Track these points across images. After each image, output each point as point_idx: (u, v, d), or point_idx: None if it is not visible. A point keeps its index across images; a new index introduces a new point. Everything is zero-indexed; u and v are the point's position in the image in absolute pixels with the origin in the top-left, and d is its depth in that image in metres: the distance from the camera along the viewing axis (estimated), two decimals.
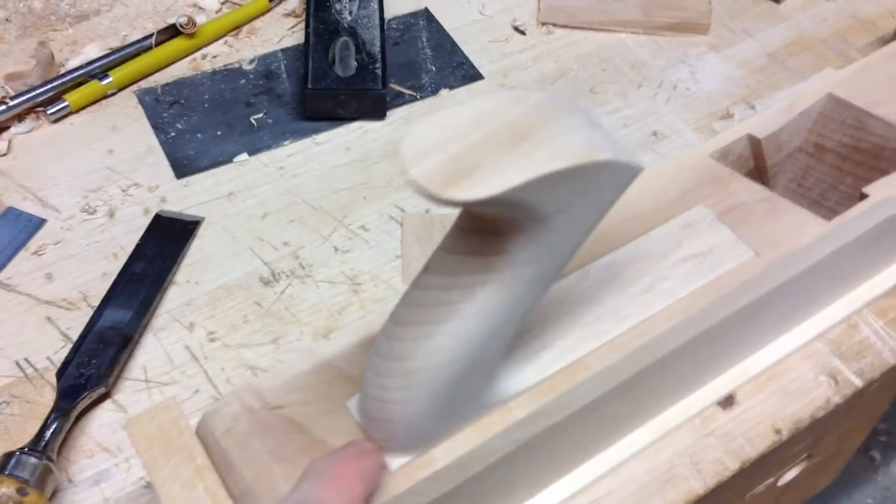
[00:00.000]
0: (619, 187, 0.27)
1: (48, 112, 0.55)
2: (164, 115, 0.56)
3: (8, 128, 0.54)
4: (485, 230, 0.26)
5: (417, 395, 0.28)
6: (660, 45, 0.63)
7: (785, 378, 0.44)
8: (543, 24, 0.63)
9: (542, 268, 0.27)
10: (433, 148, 0.22)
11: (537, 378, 0.33)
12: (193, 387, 0.43)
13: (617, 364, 0.34)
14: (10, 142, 0.54)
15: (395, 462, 0.30)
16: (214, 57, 0.60)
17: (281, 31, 0.62)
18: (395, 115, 0.57)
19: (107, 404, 0.42)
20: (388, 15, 0.63)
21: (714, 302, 0.36)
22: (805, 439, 0.44)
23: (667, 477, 0.40)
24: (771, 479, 0.47)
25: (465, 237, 0.26)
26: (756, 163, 0.44)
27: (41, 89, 0.55)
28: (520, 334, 0.33)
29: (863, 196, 0.40)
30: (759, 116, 0.43)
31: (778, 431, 0.42)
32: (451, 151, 0.22)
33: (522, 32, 0.63)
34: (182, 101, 0.57)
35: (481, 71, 0.60)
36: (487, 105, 0.24)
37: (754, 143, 0.43)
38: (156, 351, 0.44)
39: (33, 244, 0.49)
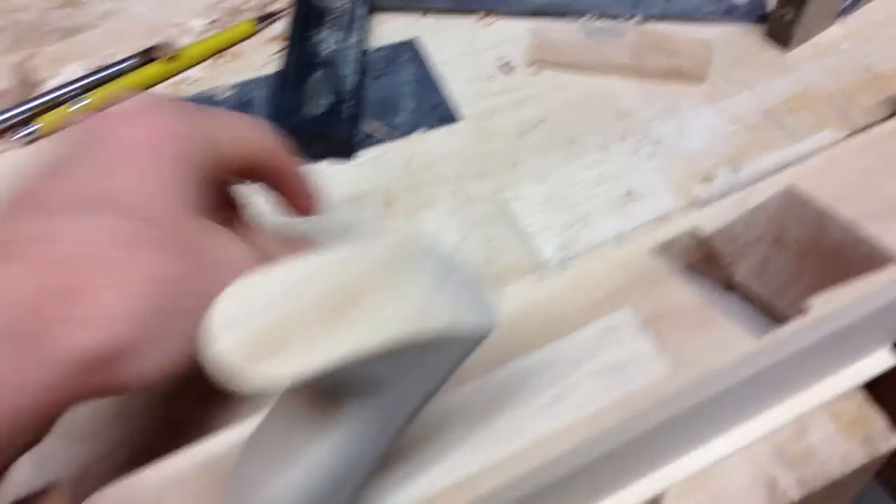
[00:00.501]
0: (462, 350, 0.26)
1: (20, 135, 0.55)
2: None
3: None
4: (317, 386, 0.25)
5: None
6: (650, 92, 0.60)
7: (718, 482, 0.42)
8: (533, 62, 0.61)
9: (380, 425, 0.26)
10: (242, 318, 0.21)
11: (422, 497, 0.32)
12: (112, 445, 0.43)
13: (508, 484, 0.33)
14: None
15: None
16: (195, 81, 0.60)
17: (265, 57, 0.61)
18: (364, 155, 0.56)
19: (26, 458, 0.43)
20: (376, 44, 0.62)
21: (621, 421, 0.34)
22: None
23: None
24: None
25: (303, 388, 0.25)
26: (706, 252, 0.42)
27: (15, 111, 0.55)
28: (403, 452, 0.33)
29: (799, 308, 0.38)
30: (708, 210, 0.41)
31: None
32: (262, 322, 0.21)
33: (509, 72, 0.61)
34: None
35: (461, 111, 0.58)
36: (320, 263, 0.22)
37: (700, 236, 0.41)
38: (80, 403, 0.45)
39: None
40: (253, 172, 0.39)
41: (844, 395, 0.45)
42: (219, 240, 0.33)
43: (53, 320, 0.26)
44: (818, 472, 0.42)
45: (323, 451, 0.25)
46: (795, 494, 0.42)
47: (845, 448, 0.43)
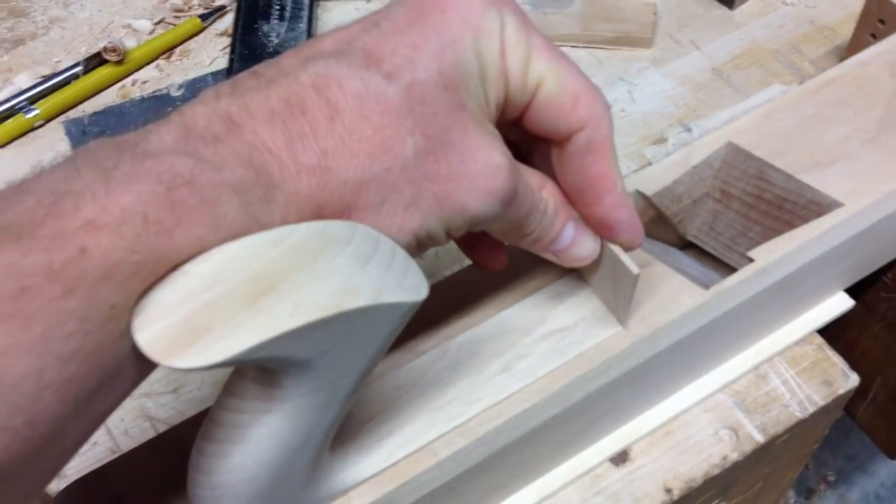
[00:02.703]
0: (391, 324, 0.26)
1: None
2: None
3: None
4: (258, 365, 0.25)
5: None
6: (600, 59, 0.61)
7: (683, 433, 0.43)
8: None
9: (324, 397, 0.26)
10: (166, 309, 0.22)
11: (382, 466, 0.33)
12: (92, 439, 0.44)
13: (466, 448, 0.33)
14: None
15: None
16: (144, 82, 0.60)
17: (214, 52, 0.61)
18: None
19: None
20: (324, 30, 0.62)
21: (574, 381, 0.35)
22: (706, 493, 0.44)
23: None
24: None
25: (245, 369, 0.26)
26: (655, 212, 0.43)
27: None
28: (364, 422, 0.33)
29: (750, 259, 0.38)
30: (650, 169, 0.42)
31: (668, 491, 0.41)
32: (183, 311, 0.22)
33: None
34: (108, 132, 0.57)
35: None
36: (236, 252, 0.23)
37: (646, 198, 0.41)
38: None
39: None
40: (557, 139, 0.32)
41: (802, 341, 0.46)
42: (478, 135, 0.29)
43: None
44: (780, 417, 0.43)
45: (268, 428, 0.26)
46: (760, 438, 0.43)
47: (805, 391, 0.44)
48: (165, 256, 0.23)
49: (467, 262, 0.39)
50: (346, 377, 0.26)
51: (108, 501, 0.33)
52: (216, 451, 0.27)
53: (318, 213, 0.26)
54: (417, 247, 0.29)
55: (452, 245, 0.44)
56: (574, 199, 0.33)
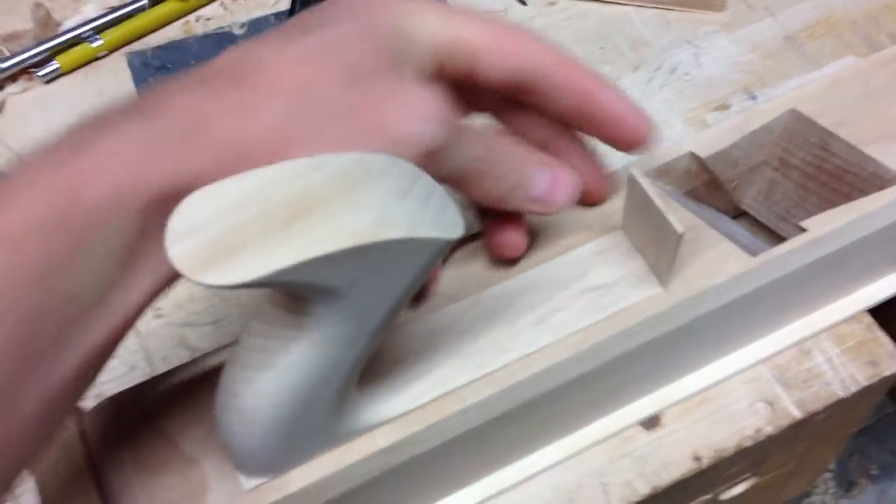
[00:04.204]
0: (423, 259, 0.26)
1: (39, 74, 0.56)
2: (151, 79, 0.57)
3: (3, 87, 0.56)
4: (288, 291, 0.26)
5: (251, 431, 0.29)
6: (668, 21, 0.59)
7: (718, 402, 0.42)
8: None
9: (353, 329, 0.26)
10: (201, 224, 0.22)
11: (408, 407, 0.33)
12: (131, 363, 0.45)
13: (494, 397, 0.33)
14: (3, 102, 0.56)
15: (250, 483, 0.31)
16: (208, 19, 0.60)
17: None
18: None
19: None
20: None
21: (609, 338, 0.34)
22: (736, 464, 0.43)
23: (571, 496, 0.40)
24: (707, 496, 0.46)
25: (280, 290, 0.26)
26: (710, 176, 0.42)
27: (34, 50, 0.56)
28: (393, 363, 0.34)
29: (802, 230, 0.37)
30: (706, 132, 0.41)
31: (697, 459, 0.41)
32: (218, 229, 0.22)
33: (524, 2, 0.60)
34: (169, 66, 0.57)
35: None
36: (277, 173, 0.23)
37: (700, 161, 0.40)
38: None
39: None
40: (524, 93, 0.33)
41: (851, 319, 0.44)
42: (406, 82, 0.29)
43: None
44: (820, 394, 0.42)
45: (296, 356, 0.26)
46: (797, 413, 0.42)
47: (848, 370, 0.43)
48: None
49: None
50: (375, 311, 0.27)
51: (140, 418, 0.33)
52: (244, 376, 0.28)
53: (251, 152, 0.26)
54: None
55: None
56: (579, 126, 0.35)
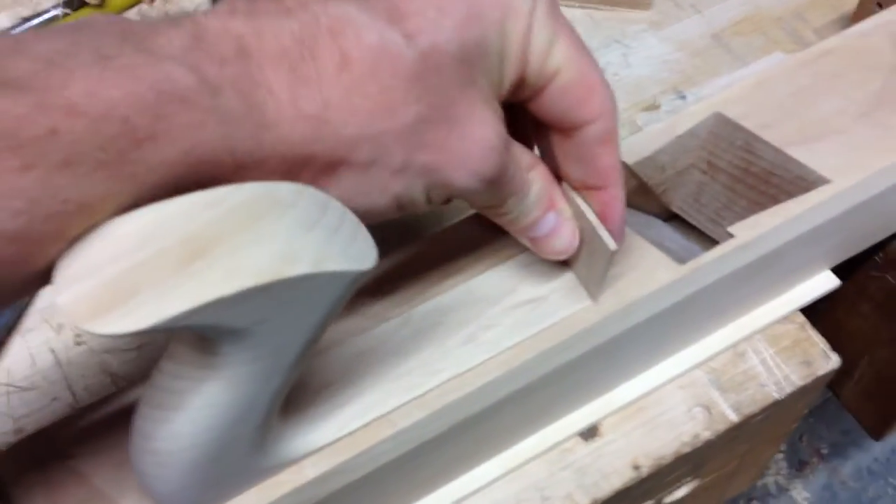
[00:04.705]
0: (334, 293, 0.25)
1: None
2: None
3: None
4: (192, 334, 0.24)
5: (167, 473, 0.27)
6: (596, 21, 0.59)
7: (656, 409, 0.42)
8: None
9: (265, 366, 0.25)
10: (93, 267, 0.21)
11: (338, 434, 0.32)
12: (52, 394, 0.43)
13: (425, 420, 0.33)
14: None
15: None
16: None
17: None
18: None
19: None
20: None
21: (541, 354, 0.34)
22: (676, 470, 0.43)
23: None
24: (650, 502, 0.46)
25: (183, 336, 0.25)
26: (637, 182, 0.42)
27: None
28: (319, 389, 0.32)
29: (730, 235, 0.37)
30: (634, 137, 0.41)
31: (637, 468, 0.41)
32: (110, 272, 0.21)
33: None
34: None
35: None
36: (174, 209, 0.22)
37: (627, 167, 0.40)
38: (21, 353, 0.44)
39: None
40: (563, 129, 0.32)
41: (784, 319, 0.45)
42: (482, 113, 0.28)
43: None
44: (756, 396, 0.42)
45: (208, 396, 0.25)
46: (734, 417, 0.42)
47: (784, 371, 0.43)
48: (128, 167, 0.22)
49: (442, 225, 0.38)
50: (289, 346, 0.25)
51: (56, 459, 0.32)
52: (156, 416, 0.26)
53: (304, 163, 0.25)
54: (397, 209, 0.28)
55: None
56: (574, 185, 0.33)
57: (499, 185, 0.30)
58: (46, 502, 0.31)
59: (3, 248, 0.20)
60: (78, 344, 0.45)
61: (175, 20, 0.24)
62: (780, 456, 1.15)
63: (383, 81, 0.26)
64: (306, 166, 0.26)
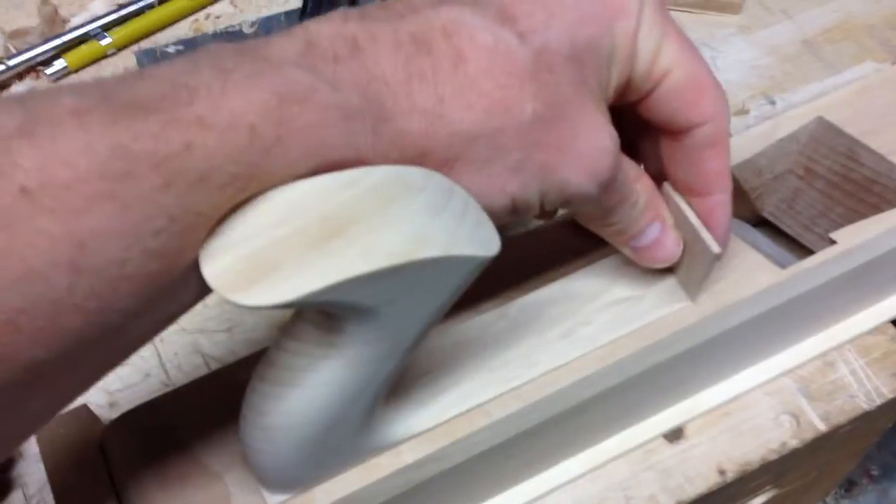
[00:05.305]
0: (460, 277, 0.25)
1: (47, 72, 0.55)
2: None
3: (9, 86, 0.55)
4: (321, 309, 0.25)
5: (277, 448, 0.28)
6: (684, 24, 0.58)
7: (742, 415, 0.42)
8: None
9: (385, 347, 0.26)
10: (236, 241, 0.21)
11: (435, 422, 0.32)
12: (145, 370, 0.44)
13: (521, 412, 0.33)
14: None
15: (274, 499, 0.31)
16: (218, 17, 0.59)
17: None
18: None
19: None
20: None
21: (637, 353, 0.34)
22: (759, 478, 0.42)
23: None
24: None
25: (307, 312, 0.25)
26: (734, 185, 0.41)
27: (41, 48, 0.55)
28: (420, 376, 0.33)
29: (831, 241, 0.37)
30: (732, 140, 0.40)
31: (722, 473, 0.40)
32: (253, 246, 0.21)
33: None
34: None
35: None
36: (312, 188, 0.22)
37: None
38: None
39: None
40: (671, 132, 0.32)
41: (875, 330, 0.44)
42: (595, 114, 0.28)
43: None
44: (845, 406, 0.42)
45: (327, 374, 0.25)
46: (822, 427, 0.41)
47: (873, 382, 0.42)
48: (258, 175, 0.22)
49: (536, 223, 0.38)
50: (408, 329, 0.26)
51: (160, 432, 0.33)
52: (272, 393, 0.27)
53: (421, 158, 0.26)
54: (511, 211, 0.29)
55: None
56: (680, 188, 0.33)
57: (610, 190, 0.30)
58: (153, 474, 0.32)
59: (146, 264, 0.21)
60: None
61: (288, 31, 0.25)
62: None
63: (498, 79, 0.26)
64: (424, 161, 0.26)
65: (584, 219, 0.33)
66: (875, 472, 1.17)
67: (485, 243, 0.25)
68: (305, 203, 0.22)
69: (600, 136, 0.28)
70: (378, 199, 0.23)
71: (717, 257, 0.32)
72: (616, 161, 0.29)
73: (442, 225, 0.24)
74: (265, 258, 0.21)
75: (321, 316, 0.25)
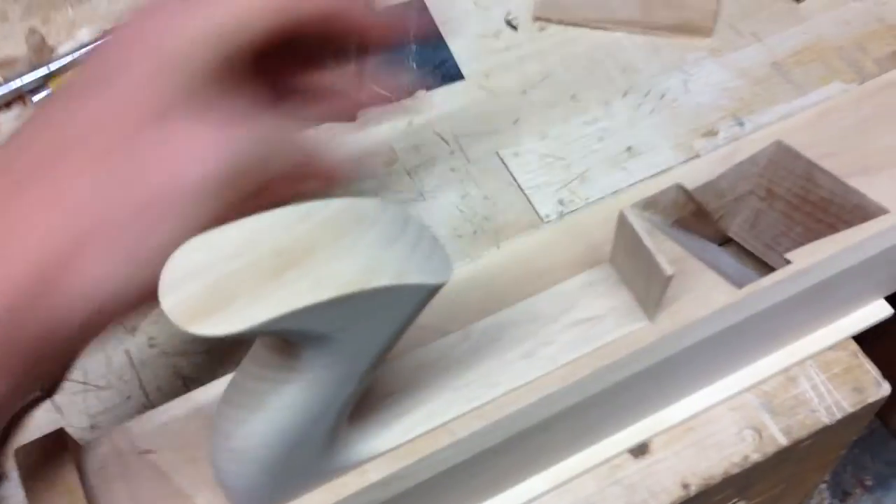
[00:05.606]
0: (412, 305, 0.26)
1: (35, 100, 0.56)
2: None
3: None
4: (278, 336, 0.26)
5: (244, 470, 0.29)
6: (657, 47, 0.60)
7: (706, 430, 0.43)
8: (537, 18, 0.61)
9: (342, 371, 0.27)
10: (193, 273, 0.23)
11: (399, 441, 0.33)
12: (126, 392, 0.45)
13: (483, 430, 0.34)
14: None
15: None
16: None
17: None
18: (368, 115, 0.56)
19: (46, 404, 0.45)
20: (383, 2, 0.62)
21: (597, 371, 0.35)
22: (723, 491, 0.44)
23: None
24: None
25: (267, 339, 0.27)
26: (696, 206, 0.43)
27: (29, 77, 0.57)
28: (383, 398, 0.34)
29: (786, 261, 0.38)
30: (694, 164, 0.42)
31: (686, 486, 0.42)
32: (209, 279, 0.22)
33: (514, 27, 0.61)
34: None
35: (464, 70, 0.59)
36: (266, 223, 0.24)
37: (687, 192, 0.41)
38: (97, 354, 0.47)
39: None
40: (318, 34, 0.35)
41: (836, 346, 0.45)
42: (173, 144, 0.29)
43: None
44: (806, 421, 0.43)
45: (287, 397, 0.27)
46: (783, 441, 0.42)
47: (834, 397, 0.44)
48: None
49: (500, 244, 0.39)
50: (365, 354, 0.27)
51: (136, 454, 0.34)
52: (237, 416, 0.28)
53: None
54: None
55: (484, 221, 0.44)
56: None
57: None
58: (128, 495, 0.33)
59: None
60: (151, 346, 0.47)
61: None
62: (824, 486, 1.14)
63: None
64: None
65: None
66: (869, 482, 1.18)
67: (437, 272, 0.26)
68: (260, 236, 0.23)
69: (185, 128, 0.30)
70: (331, 231, 0.24)
71: (670, 278, 0.33)
72: (224, 130, 0.30)
73: (394, 255, 0.25)
74: (223, 290, 0.22)
75: (280, 342, 0.26)
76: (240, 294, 0.22)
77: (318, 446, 0.30)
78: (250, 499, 0.31)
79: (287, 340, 0.26)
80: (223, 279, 0.23)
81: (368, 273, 0.24)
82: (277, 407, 0.27)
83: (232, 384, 0.28)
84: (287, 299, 0.23)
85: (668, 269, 0.33)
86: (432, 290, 0.26)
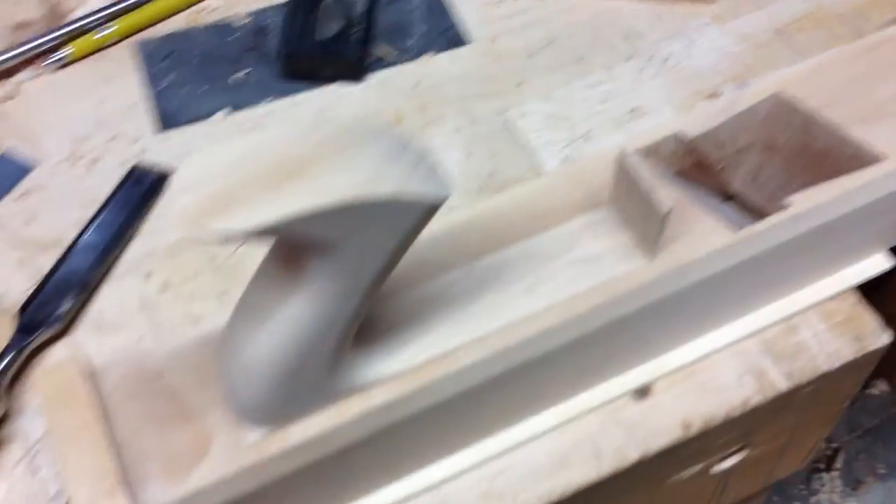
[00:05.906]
0: (413, 218, 0.27)
1: (50, 61, 0.58)
2: (157, 68, 0.58)
3: (15, 74, 0.58)
4: (287, 245, 0.27)
5: (251, 382, 0.30)
6: (659, 14, 0.61)
7: (708, 374, 0.44)
8: None
9: (347, 284, 0.28)
10: (202, 180, 0.24)
11: (404, 367, 0.34)
12: (139, 334, 0.46)
13: (485, 360, 0.35)
14: (18, 87, 0.58)
15: (251, 436, 0.33)
16: (214, 10, 0.62)
17: None
18: (374, 77, 0.58)
19: (61, 343, 0.46)
20: None
21: (596, 307, 0.36)
22: (725, 435, 0.44)
23: (564, 461, 0.41)
24: (699, 467, 0.47)
25: (278, 247, 0.28)
26: (697, 158, 0.44)
27: (44, 38, 0.58)
28: (388, 327, 0.35)
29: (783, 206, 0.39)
30: (693, 114, 0.42)
31: (687, 426, 0.42)
32: (217, 185, 0.24)
33: None
34: (175, 55, 0.59)
35: (470, 36, 0.60)
36: (273, 137, 0.25)
37: (687, 142, 0.42)
38: (112, 297, 0.48)
39: (20, 189, 0.52)
40: None
41: (838, 296, 0.46)
42: None
43: None
44: (807, 367, 0.44)
45: (294, 308, 0.28)
46: (783, 385, 0.43)
47: (835, 345, 0.44)
48: None
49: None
50: (368, 267, 0.28)
51: (150, 376, 0.35)
52: (244, 329, 0.29)
53: None
54: None
55: (489, 178, 0.45)
56: None
57: None
58: (140, 414, 0.34)
59: None
60: (163, 290, 0.48)
61: None
62: (836, 474, 1.15)
63: None
64: None
65: None
66: (881, 471, 1.18)
67: (436, 188, 0.27)
68: (265, 149, 0.25)
69: None
70: (334, 146, 0.25)
71: (667, 214, 0.34)
72: None
73: (395, 170, 0.26)
74: (230, 195, 0.24)
75: (286, 254, 0.27)
76: (246, 198, 0.24)
77: (324, 364, 0.31)
78: (257, 413, 0.32)
79: (293, 251, 0.27)
80: (231, 185, 0.24)
81: (370, 183, 0.25)
82: (284, 319, 0.28)
83: (241, 301, 0.29)
84: (291, 203, 0.24)
85: (664, 206, 0.34)
86: (432, 207, 0.27)
